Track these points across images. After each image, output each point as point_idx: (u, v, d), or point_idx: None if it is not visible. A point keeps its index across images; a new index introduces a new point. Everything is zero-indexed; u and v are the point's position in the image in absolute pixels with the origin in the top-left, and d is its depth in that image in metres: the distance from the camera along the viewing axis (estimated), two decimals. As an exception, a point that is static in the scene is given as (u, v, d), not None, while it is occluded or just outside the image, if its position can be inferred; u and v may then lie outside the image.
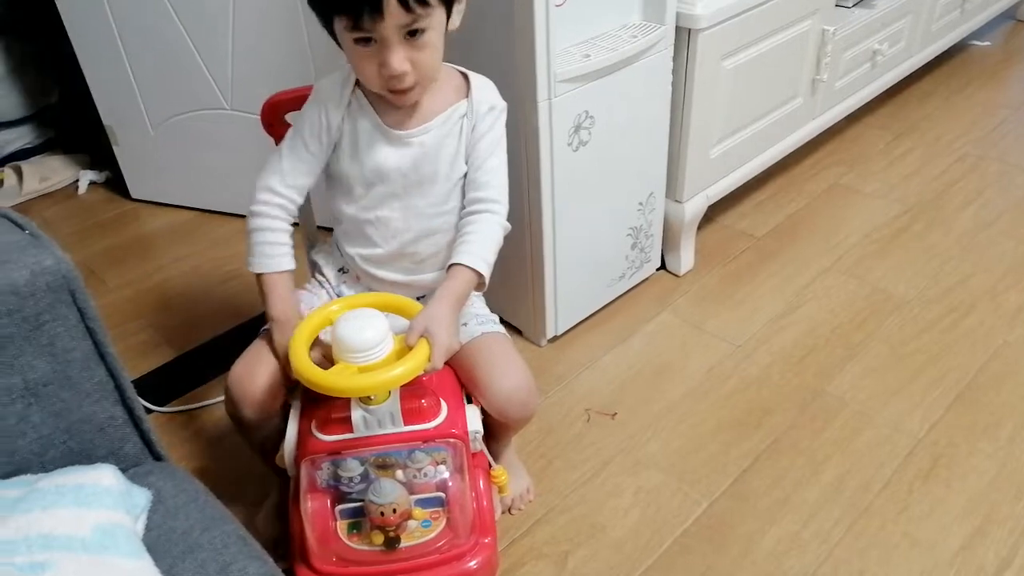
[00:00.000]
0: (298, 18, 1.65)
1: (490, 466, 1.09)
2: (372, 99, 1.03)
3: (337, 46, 0.98)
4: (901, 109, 2.34)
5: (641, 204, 1.58)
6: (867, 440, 1.35)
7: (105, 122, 2.01)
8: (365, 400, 0.94)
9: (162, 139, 1.98)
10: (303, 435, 0.99)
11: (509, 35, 1.25)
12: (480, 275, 1.01)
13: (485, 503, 1.05)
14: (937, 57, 2.36)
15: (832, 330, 1.58)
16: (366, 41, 0.92)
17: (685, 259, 1.74)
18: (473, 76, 1.06)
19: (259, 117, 1.15)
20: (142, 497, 0.72)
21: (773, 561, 1.17)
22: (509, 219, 1.43)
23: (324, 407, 0.97)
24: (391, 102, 1.00)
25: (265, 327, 1.08)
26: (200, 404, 1.47)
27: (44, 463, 0.73)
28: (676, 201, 1.66)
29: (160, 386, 1.51)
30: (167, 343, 1.64)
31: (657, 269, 1.74)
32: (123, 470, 0.74)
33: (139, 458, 0.79)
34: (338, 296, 1.13)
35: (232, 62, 1.80)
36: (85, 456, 0.75)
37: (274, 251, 1.04)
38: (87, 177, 2.19)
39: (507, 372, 1.05)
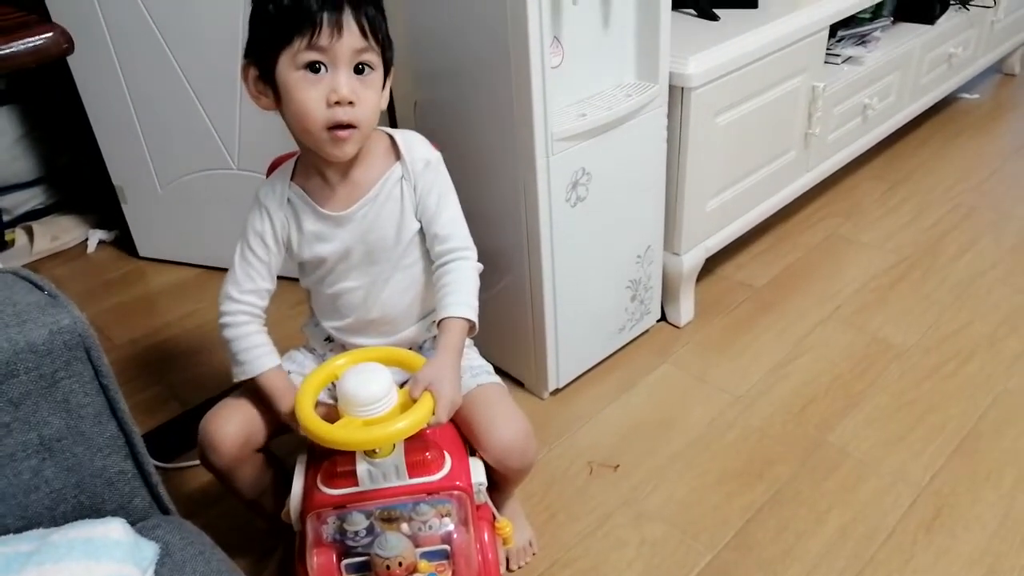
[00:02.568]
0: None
1: (494, 518, 1.09)
2: (306, 187, 1.05)
3: (269, 107, 0.99)
4: (894, 160, 2.39)
5: (639, 257, 1.61)
6: (870, 490, 1.35)
7: (115, 182, 2.06)
8: (370, 453, 0.95)
9: (170, 198, 2.02)
10: (308, 489, 1.00)
11: (507, 95, 1.29)
12: (471, 322, 1.03)
13: (490, 555, 1.05)
14: (928, 110, 2.42)
15: (832, 379, 1.59)
16: (315, 69, 0.93)
17: (685, 310, 1.76)
18: (399, 135, 1.07)
19: (265, 176, 1.18)
20: (150, 550, 0.73)
21: (779, 614, 1.17)
22: (508, 272, 1.48)
23: (329, 461, 0.98)
24: (328, 154, 0.99)
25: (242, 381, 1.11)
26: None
27: (55, 517, 0.74)
28: (674, 254, 1.69)
29: (166, 442, 1.52)
30: (173, 399, 1.65)
31: (657, 321, 1.76)
32: (132, 523, 0.75)
33: (147, 512, 0.80)
34: None
35: (240, 124, 1.86)
36: (95, 510, 0.76)
37: (250, 355, 1.06)
38: (96, 236, 2.24)
39: (504, 422, 1.07)
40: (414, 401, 0.93)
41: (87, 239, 2.24)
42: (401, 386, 0.97)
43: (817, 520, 1.30)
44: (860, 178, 2.30)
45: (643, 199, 1.56)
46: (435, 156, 1.08)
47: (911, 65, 2.19)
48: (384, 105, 1.03)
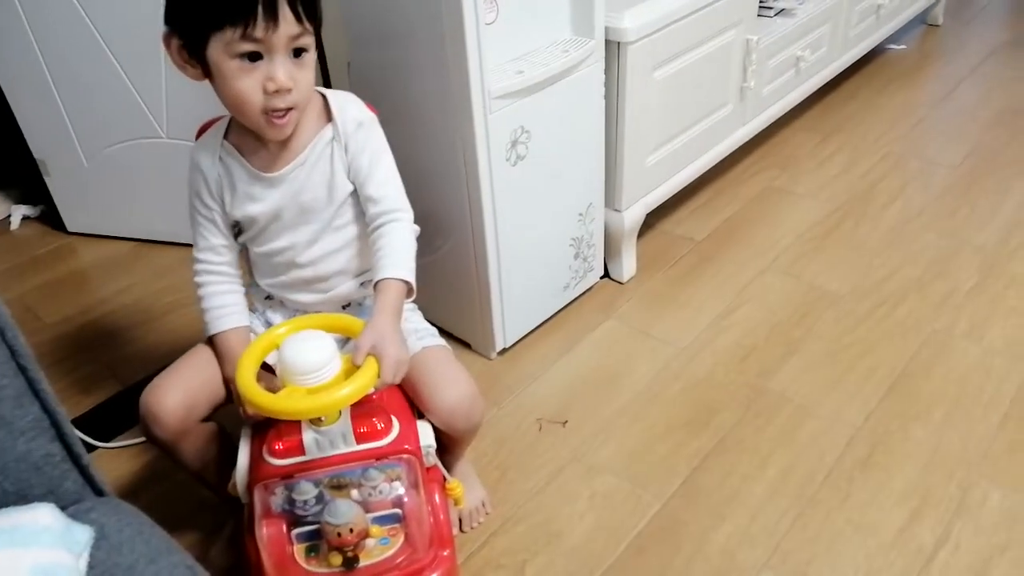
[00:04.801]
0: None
1: (444, 479, 1.10)
2: (240, 146, 1.04)
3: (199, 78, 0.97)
4: (827, 112, 2.43)
5: (581, 215, 1.62)
6: (809, 432, 1.40)
7: (36, 155, 1.97)
8: (316, 422, 0.94)
9: (97, 170, 1.94)
10: (255, 461, 0.99)
11: (441, 53, 1.27)
12: (408, 284, 1.01)
13: (442, 516, 1.06)
14: (857, 61, 2.46)
15: (772, 328, 1.64)
16: (252, 57, 0.91)
17: (627, 266, 1.78)
18: (332, 95, 1.06)
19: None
20: (83, 534, 0.70)
21: (726, 556, 1.21)
22: (452, 234, 1.47)
23: (274, 431, 0.97)
24: (267, 135, 0.99)
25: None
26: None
27: (-22, 507, 0.71)
28: (615, 210, 1.70)
29: (106, 421, 1.49)
30: (112, 377, 1.61)
31: (601, 277, 1.77)
32: (63, 508, 0.72)
33: (80, 495, 0.77)
34: (268, 323, 1.13)
35: (166, 90, 1.79)
36: (22, 497, 0.72)
37: (210, 315, 1.08)
38: (20, 212, 2.14)
39: (449, 384, 1.07)
40: (358, 367, 0.92)
41: (10, 216, 2.14)
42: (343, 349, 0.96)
43: (760, 464, 1.34)
44: (794, 130, 2.34)
45: (583, 156, 1.56)
46: (368, 117, 1.06)
47: (841, 16, 2.22)
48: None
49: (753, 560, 1.20)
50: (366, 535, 0.99)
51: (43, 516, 0.69)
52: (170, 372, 1.06)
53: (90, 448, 1.42)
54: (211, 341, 1.08)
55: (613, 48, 1.51)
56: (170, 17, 0.95)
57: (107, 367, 1.64)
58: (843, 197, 2.04)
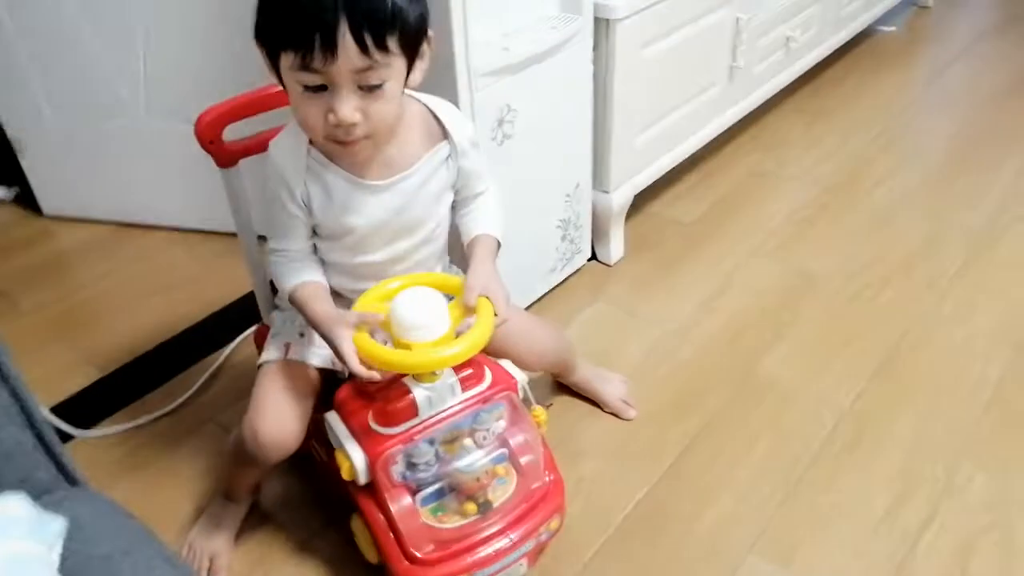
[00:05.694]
0: (227, 14, 1.56)
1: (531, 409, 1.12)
2: (330, 153, 0.97)
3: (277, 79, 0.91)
4: (816, 93, 2.41)
5: (568, 196, 1.60)
6: (796, 416, 1.39)
7: (9, 133, 1.92)
8: (426, 378, 0.95)
9: (73, 150, 1.90)
10: (365, 437, 0.97)
11: (426, 31, 1.24)
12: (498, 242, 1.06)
13: (544, 448, 1.10)
14: (848, 43, 2.45)
15: (759, 311, 1.62)
16: (315, 89, 0.85)
17: (615, 248, 1.76)
18: (441, 112, 1.01)
19: (194, 135, 1.08)
20: (56, 524, 0.68)
21: (712, 539, 1.20)
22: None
23: (380, 402, 0.96)
24: (336, 156, 0.96)
25: (260, 363, 1.08)
26: (130, 425, 1.42)
27: (-55, 498, 0.68)
28: (603, 191, 1.68)
29: (86, 409, 1.46)
30: (91, 364, 1.57)
31: (588, 259, 1.76)
32: (36, 497, 0.70)
33: (53, 484, 0.75)
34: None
35: (144, 68, 1.74)
36: None
37: (291, 267, 1.03)
38: (-6, 194, 2.10)
39: (536, 339, 1.18)
40: (470, 309, 0.94)
41: (-16, 197, 2.10)
42: None
43: (747, 448, 1.34)
44: (783, 112, 2.32)
45: (571, 136, 1.54)
46: (472, 129, 1.07)
47: (832, -4, 2.20)
48: (417, 82, 0.93)
49: (740, 542, 1.19)
50: (495, 476, 1.02)
51: (13, 506, 0.67)
52: (279, 406, 1.02)
53: (69, 436, 1.40)
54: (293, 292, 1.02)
55: (602, 25, 1.48)
56: (255, 25, 0.88)
57: (85, 355, 1.60)
58: (832, 179, 2.02)
